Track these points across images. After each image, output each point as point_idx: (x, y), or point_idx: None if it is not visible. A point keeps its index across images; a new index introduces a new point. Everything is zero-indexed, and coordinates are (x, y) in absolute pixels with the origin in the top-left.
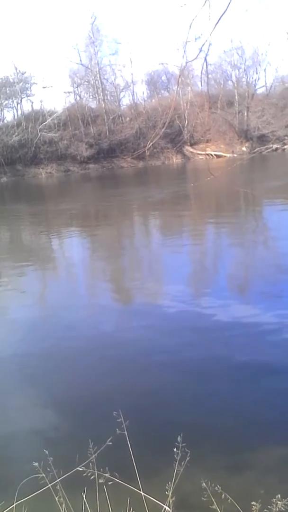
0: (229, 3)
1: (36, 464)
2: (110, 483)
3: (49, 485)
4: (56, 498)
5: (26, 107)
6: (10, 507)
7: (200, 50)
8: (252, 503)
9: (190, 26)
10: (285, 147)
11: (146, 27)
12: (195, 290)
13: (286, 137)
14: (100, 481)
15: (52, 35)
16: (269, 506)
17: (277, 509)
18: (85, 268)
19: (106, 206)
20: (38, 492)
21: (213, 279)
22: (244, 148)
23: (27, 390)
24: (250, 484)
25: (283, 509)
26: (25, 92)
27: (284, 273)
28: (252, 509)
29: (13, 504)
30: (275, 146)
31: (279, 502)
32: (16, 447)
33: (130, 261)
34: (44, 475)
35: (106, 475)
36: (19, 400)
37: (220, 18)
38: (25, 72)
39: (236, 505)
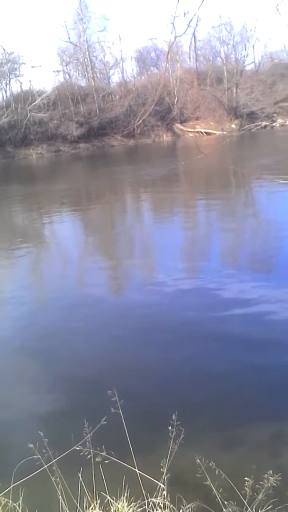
0: None
1: (32, 445)
2: (105, 461)
3: (45, 466)
4: (53, 479)
5: (15, 87)
6: (7, 489)
7: (188, 26)
8: (245, 478)
9: (178, 1)
10: (274, 124)
11: (135, 2)
12: (189, 266)
13: (275, 114)
14: (96, 459)
15: (40, 13)
16: (261, 482)
17: (269, 484)
18: (79, 248)
19: (98, 185)
20: (34, 473)
21: (206, 255)
22: (233, 126)
23: (20, 371)
24: (243, 459)
25: (275, 484)
26: (13, 72)
27: (274, 248)
28: (245, 484)
29: (10, 486)
30: (264, 123)
31: (270, 477)
32: (11, 429)
33: (124, 239)
34: (39, 456)
35: (101, 453)
36: (13, 381)
37: None
38: (13, 52)
39: (229, 480)
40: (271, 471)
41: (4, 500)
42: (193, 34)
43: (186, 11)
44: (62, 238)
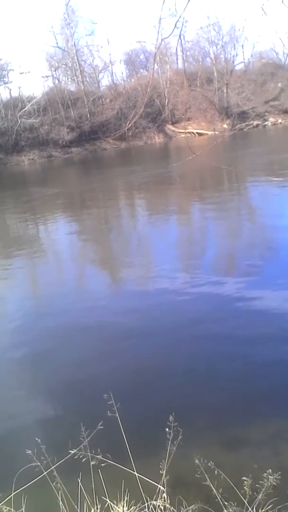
0: None
1: (30, 452)
2: (103, 465)
3: (45, 472)
4: (53, 485)
5: (4, 94)
6: (9, 497)
7: (175, 27)
8: (243, 478)
9: (163, 2)
10: (266, 123)
11: (122, 5)
12: (186, 269)
13: (266, 113)
14: (94, 463)
15: (27, 19)
16: (260, 481)
17: (268, 483)
18: (74, 252)
19: (91, 190)
20: (34, 480)
21: (201, 255)
22: (225, 125)
23: (15, 376)
24: (243, 459)
25: (274, 483)
26: (2, 79)
27: (267, 246)
28: (244, 484)
29: (11, 494)
30: (255, 122)
31: (270, 476)
32: (9, 436)
33: (120, 242)
34: (39, 463)
35: (99, 457)
36: (8, 388)
37: None
38: (1, 59)
39: (229, 480)
40: (270, 470)
41: (6, 508)
42: (180, 35)
43: (172, 13)
44: (57, 243)
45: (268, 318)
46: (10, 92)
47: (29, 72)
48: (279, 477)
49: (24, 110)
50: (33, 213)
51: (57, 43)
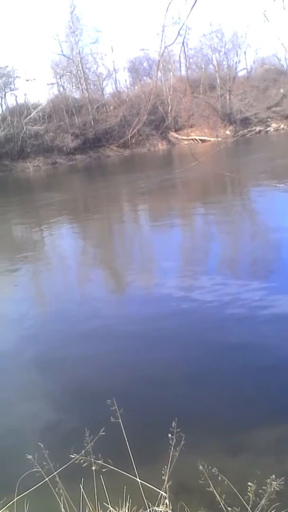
0: None
1: (33, 457)
2: (105, 470)
3: (47, 478)
4: (55, 490)
5: (10, 101)
6: (12, 502)
7: (178, 34)
8: (248, 484)
9: (166, 10)
10: (268, 129)
11: (126, 14)
12: (189, 273)
13: (268, 119)
14: (96, 469)
15: (32, 27)
16: (263, 487)
17: (272, 489)
18: (80, 259)
19: (96, 196)
20: (37, 486)
21: (205, 262)
22: (228, 132)
23: (20, 381)
24: (246, 465)
25: (278, 489)
26: (8, 86)
27: (271, 252)
28: (248, 490)
29: (14, 499)
30: (258, 128)
31: (273, 482)
32: (12, 441)
33: (124, 250)
34: (41, 469)
35: (101, 462)
36: (11, 391)
37: (195, 2)
38: (7, 66)
39: (233, 487)
40: (273, 476)
41: None
42: (183, 42)
43: (175, 21)
44: (63, 250)
45: (276, 325)
46: (16, 99)
47: (34, 79)
48: (282, 482)
49: (29, 117)
50: (38, 219)
51: (62, 50)
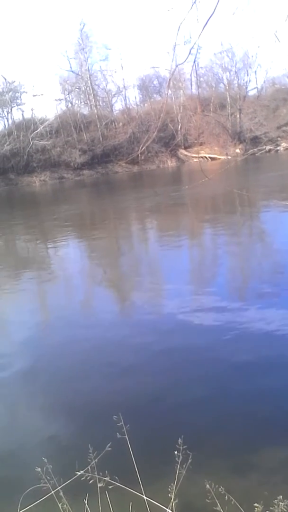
0: (216, 6)
1: (38, 471)
2: (111, 487)
3: (52, 492)
4: (60, 505)
5: (17, 116)
6: None
7: (190, 53)
8: (255, 504)
9: (178, 29)
10: (278, 148)
11: (136, 32)
12: (196, 291)
13: (278, 138)
14: (102, 485)
15: (41, 43)
16: (271, 508)
17: (279, 510)
18: (86, 276)
19: (103, 212)
20: (40, 500)
21: (214, 281)
22: (237, 150)
23: (25, 395)
24: (254, 485)
25: (285, 510)
26: (15, 101)
27: (280, 271)
28: (255, 510)
29: None
30: (268, 147)
31: (281, 503)
32: (16, 455)
33: (131, 267)
34: (47, 483)
35: (106, 479)
36: (16, 404)
37: (207, 21)
38: (14, 81)
39: (240, 507)
40: (281, 496)
41: None
42: (194, 61)
43: (186, 40)
44: (68, 266)
45: (283, 344)
46: (22, 114)
47: (42, 94)
48: None
49: (36, 132)
50: (43, 233)
51: (71, 67)
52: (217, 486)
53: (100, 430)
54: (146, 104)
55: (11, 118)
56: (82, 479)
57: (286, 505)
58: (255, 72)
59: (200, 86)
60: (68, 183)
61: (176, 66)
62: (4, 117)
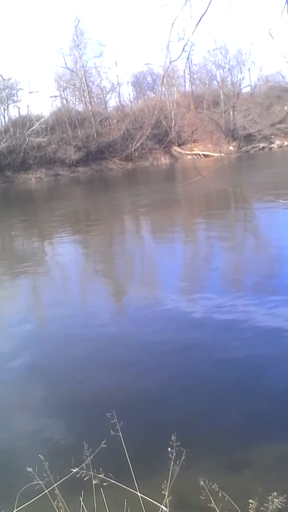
0: (209, 3)
1: (33, 470)
2: (106, 484)
3: (46, 490)
4: (54, 503)
5: (13, 113)
6: None
7: (183, 50)
8: (249, 501)
9: (172, 26)
10: (272, 145)
11: (130, 28)
12: (189, 288)
13: (272, 136)
14: (97, 482)
15: (36, 40)
16: (265, 504)
17: (274, 507)
18: (82, 272)
19: (98, 209)
20: (36, 498)
21: (208, 277)
22: (231, 147)
23: (19, 393)
24: (248, 481)
25: (280, 507)
26: (11, 98)
27: (274, 268)
28: (249, 507)
29: (14, 511)
30: (262, 145)
31: (275, 499)
32: (11, 453)
33: (125, 264)
34: (40, 481)
35: (101, 476)
36: (10, 403)
37: (200, 18)
38: (10, 79)
39: (234, 503)
40: (275, 493)
41: None
42: (188, 58)
43: (180, 36)
44: (64, 263)
45: (278, 341)
46: (19, 111)
47: (37, 91)
48: (284, 500)
49: (32, 129)
50: (39, 230)
51: (65, 64)
52: (211, 482)
53: (94, 427)
54: (140, 101)
55: (8, 115)
56: (77, 476)
57: (280, 502)
58: (249, 69)
59: (194, 83)
60: (63, 180)
61: (170, 63)
62: (1, 114)
